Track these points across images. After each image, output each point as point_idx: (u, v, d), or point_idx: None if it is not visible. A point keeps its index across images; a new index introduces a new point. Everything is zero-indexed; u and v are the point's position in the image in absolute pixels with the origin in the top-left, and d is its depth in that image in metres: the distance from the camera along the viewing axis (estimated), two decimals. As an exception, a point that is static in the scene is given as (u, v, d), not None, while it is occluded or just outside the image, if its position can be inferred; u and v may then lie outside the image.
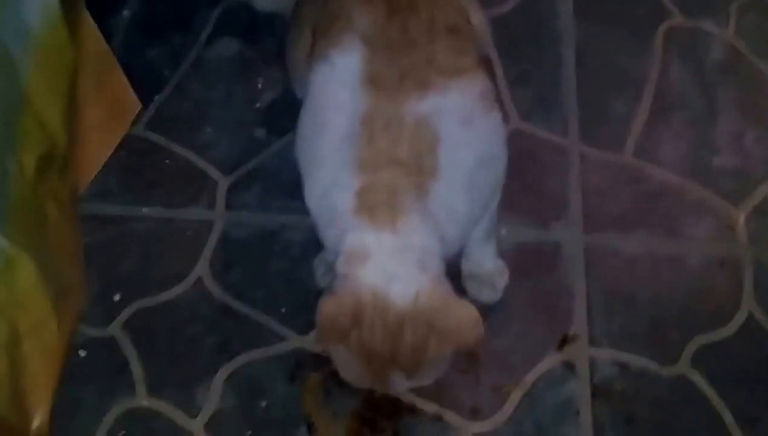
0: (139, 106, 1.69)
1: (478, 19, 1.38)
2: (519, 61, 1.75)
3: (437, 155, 1.12)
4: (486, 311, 1.49)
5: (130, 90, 1.66)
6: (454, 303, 1.10)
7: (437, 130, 1.12)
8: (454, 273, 1.43)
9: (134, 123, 1.69)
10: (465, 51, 1.20)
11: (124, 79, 1.64)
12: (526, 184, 1.59)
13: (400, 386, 1.15)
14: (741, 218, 1.58)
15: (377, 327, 1.08)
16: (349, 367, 1.14)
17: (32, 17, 1.35)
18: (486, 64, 1.36)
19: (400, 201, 1.10)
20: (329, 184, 1.14)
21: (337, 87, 1.16)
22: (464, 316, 1.08)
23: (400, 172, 1.11)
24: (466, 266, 1.47)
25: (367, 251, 1.09)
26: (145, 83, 1.70)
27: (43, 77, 1.38)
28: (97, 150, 1.64)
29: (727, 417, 1.38)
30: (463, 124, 1.14)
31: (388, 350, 1.09)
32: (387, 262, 1.09)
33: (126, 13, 1.84)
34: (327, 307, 1.09)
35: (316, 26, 1.28)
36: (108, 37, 1.63)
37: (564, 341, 1.45)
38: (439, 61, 1.14)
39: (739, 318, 1.47)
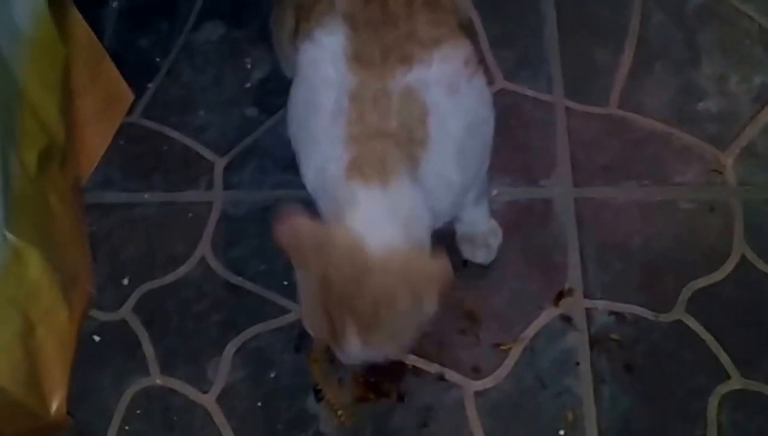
0: (132, 96, 1.72)
1: None
2: (500, 21, 1.76)
3: (427, 125, 1.14)
4: (482, 271, 1.56)
5: (122, 81, 1.69)
6: (426, 257, 1.10)
7: (425, 102, 1.14)
8: (448, 235, 1.49)
9: (130, 111, 1.72)
10: (444, 22, 1.21)
11: (116, 70, 1.67)
12: (514, 143, 1.61)
13: (353, 347, 1.09)
14: (729, 161, 1.59)
15: (344, 266, 1.07)
16: (310, 303, 1.12)
17: (21, 16, 1.40)
18: (467, 27, 1.37)
19: (391, 167, 1.12)
20: (323, 160, 1.16)
21: (324, 66, 1.18)
22: (435, 266, 1.07)
23: (390, 142, 1.13)
24: (460, 229, 1.50)
25: (356, 203, 1.11)
26: (137, 71, 1.74)
27: (37, 74, 1.43)
28: (95, 141, 1.67)
29: (724, 359, 1.41)
30: (450, 93, 1.16)
31: (349, 292, 1.07)
32: (372, 213, 1.10)
33: (114, 4, 1.86)
34: (292, 222, 1.08)
35: (299, 8, 1.30)
36: (98, 29, 1.67)
37: (560, 296, 1.48)
38: (420, 34, 1.16)
39: (732, 261, 1.49)
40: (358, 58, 1.14)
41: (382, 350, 1.11)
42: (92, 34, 1.59)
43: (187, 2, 1.85)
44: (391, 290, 1.06)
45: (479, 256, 1.50)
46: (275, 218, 1.06)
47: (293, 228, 1.08)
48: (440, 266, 1.06)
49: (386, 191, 1.10)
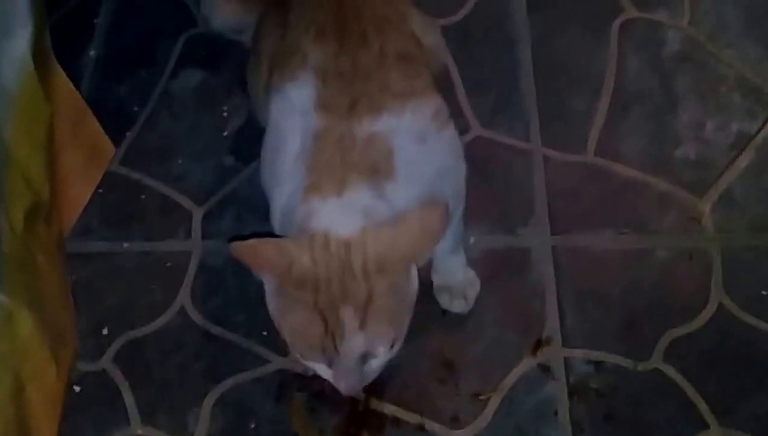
0: (113, 148, 1.72)
1: (432, 38, 1.42)
2: (476, 67, 1.77)
3: (393, 162, 1.13)
4: (460, 320, 1.55)
5: (104, 134, 1.69)
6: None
7: (391, 146, 1.14)
8: (426, 284, 1.48)
9: (111, 160, 1.73)
10: (417, 75, 1.22)
11: (97, 123, 1.67)
12: (491, 191, 1.61)
13: (353, 338, 1.08)
14: (706, 208, 1.59)
15: (320, 257, 1.07)
16: (294, 316, 1.09)
17: (9, 77, 1.39)
18: (442, 76, 1.38)
19: (350, 180, 1.11)
20: (288, 196, 1.16)
21: (293, 115, 1.18)
22: (421, 216, 1.06)
23: (352, 170, 1.12)
24: (437, 279, 1.50)
25: (314, 214, 1.10)
26: (115, 120, 1.73)
27: (24, 134, 1.42)
28: (77, 194, 1.67)
29: (703, 408, 1.40)
30: (417, 142, 1.16)
31: (338, 278, 1.06)
32: (331, 215, 1.09)
33: (92, 53, 1.86)
34: (250, 241, 1.07)
35: (273, 59, 1.31)
36: (76, 78, 1.67)
37: (538, 345, 1.47)
38: (391, 86, 1.17)
39: (710, 309, 1.48)
40: (326, 106, 1.15)
41: (382, 337, 1.09)
42: (74, 89, 1.60)
43: (165, 50, 1.85)
44: (381, 258, 1.05)
45: (457, 306, 1.49)
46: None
47: (251, 244, 1.07)
48: (427, 214, 1.06)
49: (342, 196, 1.10)
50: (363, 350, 1.10)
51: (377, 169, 1.12)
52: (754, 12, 1.81)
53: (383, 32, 1.23)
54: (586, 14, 1.81)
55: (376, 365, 1.14)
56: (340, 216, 1.09)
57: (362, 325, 1.07)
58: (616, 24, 1.79)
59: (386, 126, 1.14)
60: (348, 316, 1.06)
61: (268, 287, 1.12)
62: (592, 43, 1.78)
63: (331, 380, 1.14)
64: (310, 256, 1.06)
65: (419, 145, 1.16)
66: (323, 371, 1.14)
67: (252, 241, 1.06)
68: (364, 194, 1.11)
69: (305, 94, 1.17)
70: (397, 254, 1.07)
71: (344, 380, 1.13)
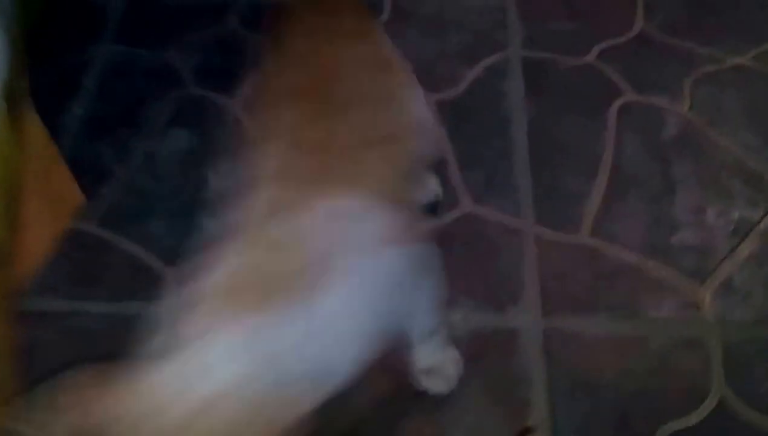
0: (82, 199, 1.66)
1: (421, 113, 1.36)
2: (470, 144, 1.72)
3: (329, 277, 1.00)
4: (440, 402, 1.44)
5: (74, 183, 1.64)
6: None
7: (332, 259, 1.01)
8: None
9: (84, 218, 1.65)
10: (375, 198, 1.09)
11: (68, 172, 1.62)
12: (481, 269, 1.53)
13: None
14: (706, 296, 1.50)
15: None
16: None
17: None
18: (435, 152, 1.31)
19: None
20: None
21: None
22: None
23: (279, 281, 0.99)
24: (417, 363, 1.39)
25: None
26: (94, 177, 1.68)
27: None
28: (39, 243, 1.59)
29: None
30: (368, 255, 1.04)
31: None
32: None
33: (78, 110, 1.83)
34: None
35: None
36: (60, 133, 1.65)
37: (523, 433, 1.36)
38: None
39: (710, 403, 1.38)
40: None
41: None
42: (47, 136, 1.54)
43: (152, 112, 1.82)
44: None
45: (436, 386, 1.38)
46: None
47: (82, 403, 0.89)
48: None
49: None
50: None
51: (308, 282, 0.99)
52: (754, 101, 1.78)
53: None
54: (584, 96, 1.79)
55: None
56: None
57: None
58: (615, 106, 1.76)
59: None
60: None
61: None
62: (589, 124, 1.74)
63: None
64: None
65: (370, 259, 1.04)
66: None
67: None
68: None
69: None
70: None
71: None
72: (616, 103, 1.77)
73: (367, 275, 1.02)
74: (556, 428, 1.36)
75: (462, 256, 1.28)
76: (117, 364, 0.90)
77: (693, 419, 1.36)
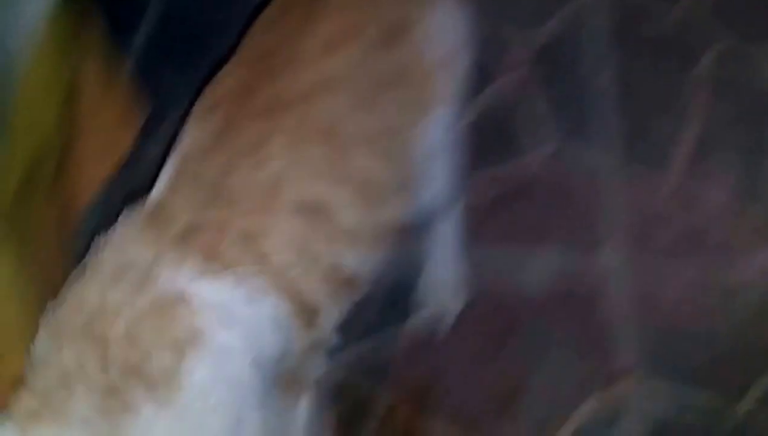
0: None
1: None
2: (560, 84, 1.61)
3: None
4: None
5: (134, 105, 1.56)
6: None
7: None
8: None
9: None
10: None
11: (129, 93, 1.55)
12: (568, 210, 1.45)
13: None
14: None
15: None
16: None
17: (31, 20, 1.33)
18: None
19: None
20: None
21: None
22: None
23: None
24: None
25: None
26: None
27: (39, 75, 1.33)
28: (90, 180, 1.50)
29: None
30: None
31: None
32: None
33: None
34: None
35: None
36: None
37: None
38: None
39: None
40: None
41: None
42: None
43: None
44: None
45: None
46: None
47: None
48: None
49: None
50: None
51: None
52: None
53: None
54: (679, 41, 1.65)
55: None
56: None
57: None
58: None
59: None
60: None
61: None
62: (684, 67, 1.61)
63: None
64: None
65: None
66: None
67: None
68: None
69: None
70: None
71: None
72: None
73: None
74: (645, 373, 1.32)
75: (549, 198, 1.21)
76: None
77: (788, 374, 1.32)
